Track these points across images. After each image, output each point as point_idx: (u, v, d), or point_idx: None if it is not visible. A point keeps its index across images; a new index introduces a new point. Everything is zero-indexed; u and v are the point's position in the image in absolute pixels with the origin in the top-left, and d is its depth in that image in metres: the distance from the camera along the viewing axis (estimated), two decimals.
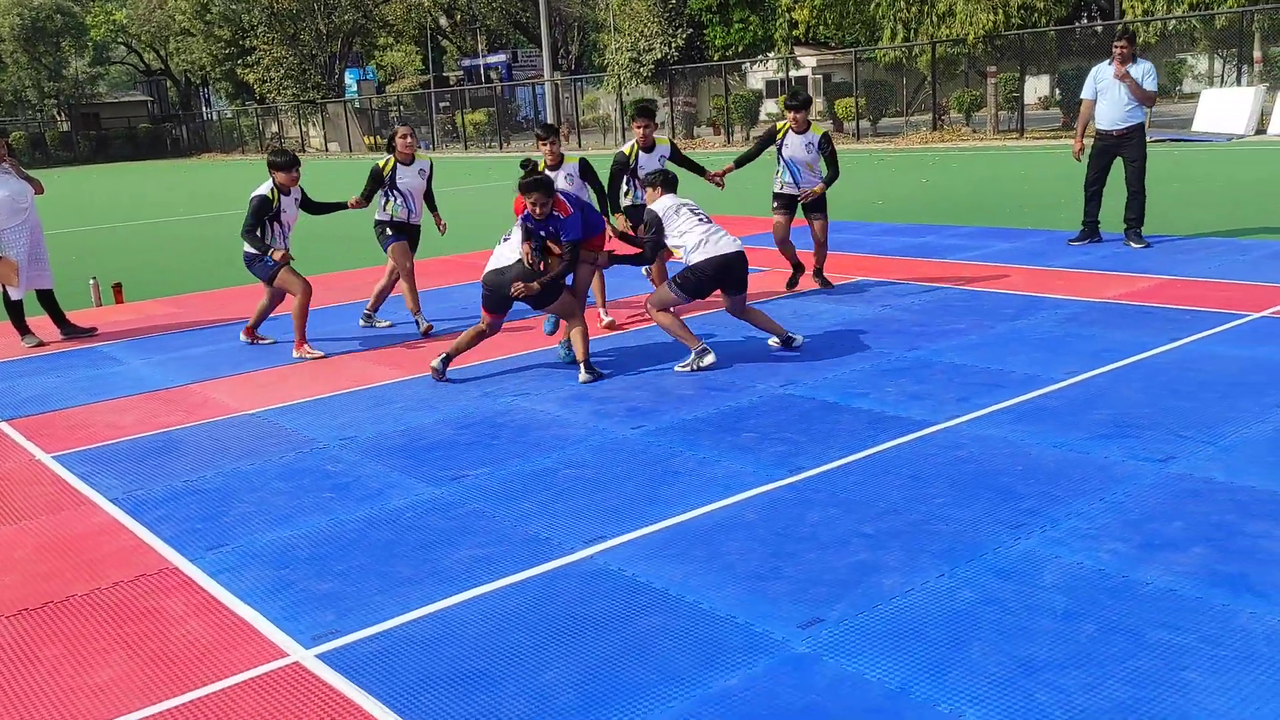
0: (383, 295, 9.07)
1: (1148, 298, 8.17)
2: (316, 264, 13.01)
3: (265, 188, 8.05)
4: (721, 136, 36.78)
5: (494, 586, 4.04)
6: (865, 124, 32.91)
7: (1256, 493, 4.43)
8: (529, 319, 8.63)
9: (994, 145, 26.90)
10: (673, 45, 36.74)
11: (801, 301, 8.91)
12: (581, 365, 6.84)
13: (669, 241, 7.06)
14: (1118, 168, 10.42)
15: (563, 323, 7.31)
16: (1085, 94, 10.60)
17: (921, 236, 12.19)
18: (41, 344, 9.15)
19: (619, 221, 8.23)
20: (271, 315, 8.76)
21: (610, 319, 8.44)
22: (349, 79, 53.28)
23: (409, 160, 8.61)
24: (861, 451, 5.23)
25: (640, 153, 8.33)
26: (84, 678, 3.60)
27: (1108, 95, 10.27)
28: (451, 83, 58.05)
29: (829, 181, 9.00)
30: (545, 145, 8.09)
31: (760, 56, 37.81)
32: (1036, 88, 35.34)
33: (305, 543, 4.58)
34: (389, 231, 8.69)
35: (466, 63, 60.77)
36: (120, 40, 69.17)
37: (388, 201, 8.63)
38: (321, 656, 3.61)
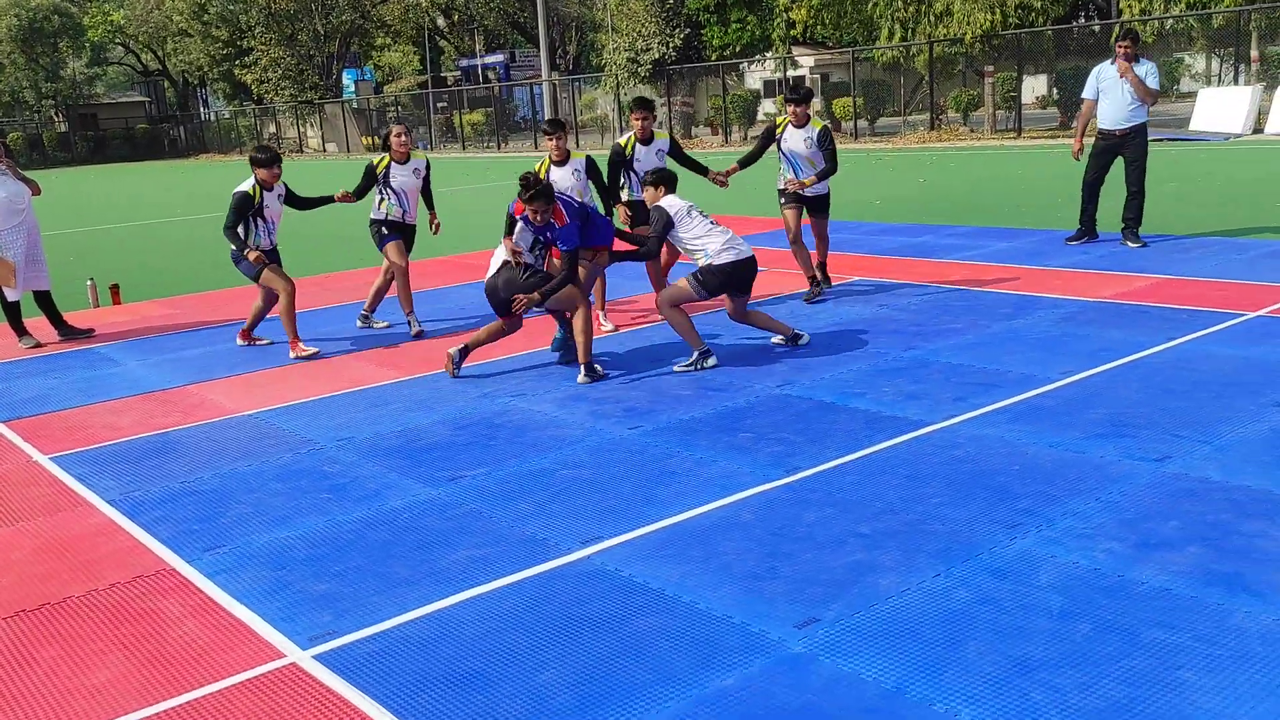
0: (379, 295, 9.08)
1: (1144, 297, 8.18)
2: (316, 264, 13.02)
3: (247, 184, 8.09)
4: (719, 136, 36.78)
5: (491, 587, 4.05)
6: (863, 124, 32.93)
7: (1252, 492, 4.44)
8: (534, 317, 8.62)
9: (991, 145, 26.92)
10: (670, 45, 36.74)
11: (799, 301, 8.92)
12: (581, 367, 6.84)
13: (687, 246, 7.03)
14: (1116, 167, 10.44)
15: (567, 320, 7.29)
16: (1087, 93, 10.59)
17: (919, 236, 12.20)
18: (39, 345, 9.16)
19: (619, 213, 8.17)
20: (268, 316, 8.76)
21: (612, 325, 8.40)
22: (347, 79, 53.25)
23: (404, 159, 8.61)
24: (858, 451, 5.23)
25: (638, 144, 8.19)
26: (81, 679, 3.60)
27: (1110, 95, 10.26)
28: (449, 83, 58.05)
29: (823, 175, 8.66)
30: (552, 140, 8.03)
31: (758, 56, 37.82)
32: (1034, 87, 35.33)
33: (302, 543, 4.59)
34: (384, 231, 8.70)
35: (464, 63, 60.76)
36: (118, 41, 69.11)
37: (382, 200, 8.64)
38: (318, 657, 3.61)
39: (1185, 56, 33.81)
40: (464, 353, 7.14)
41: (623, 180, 8.28)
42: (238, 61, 55.60)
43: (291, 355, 8.07)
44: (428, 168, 8.83)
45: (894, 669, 3.30)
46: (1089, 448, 5.07)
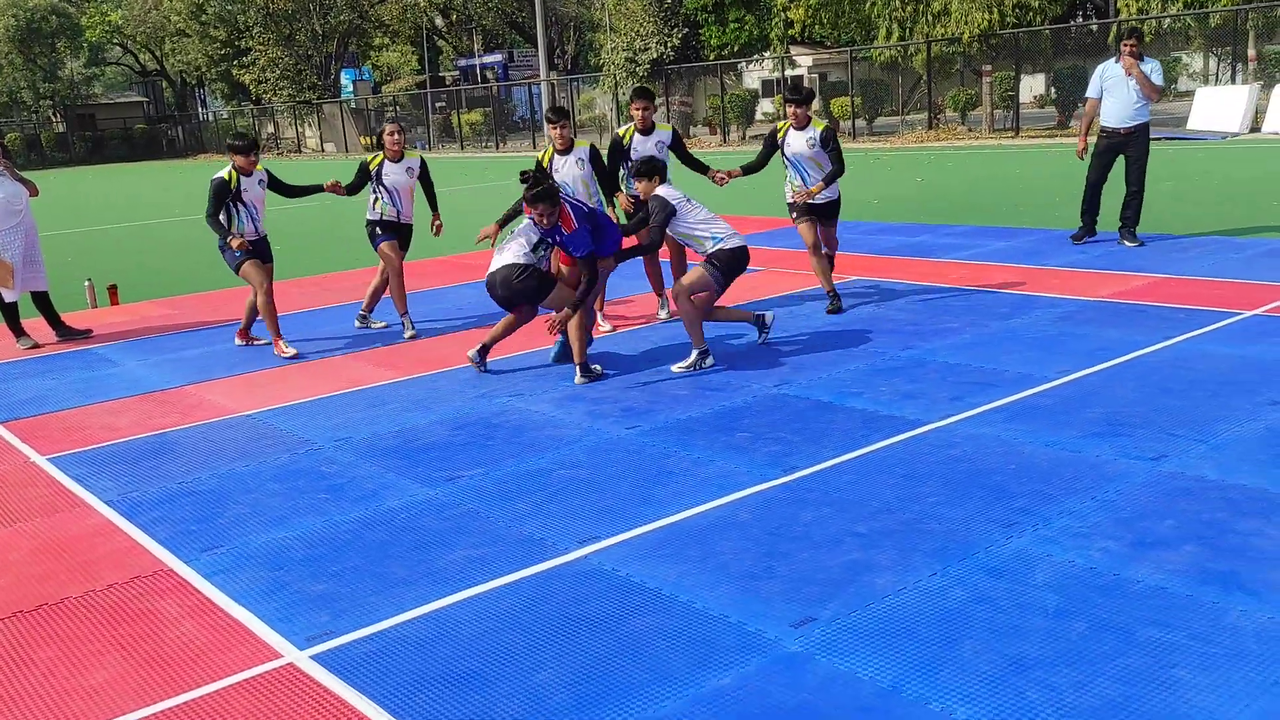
0: (377, 295, 9.09)
1: (1141, 296, 8.19)
2: (314, 264, 13.02)
3: (224, 171, 8.11)
4: (718, 136, 36.77)
5: (488, 587, 4.05)
6: (861, 123, 32.93)
7: (1247, 491, 4.45)
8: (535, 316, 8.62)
9: (989, 144, 26.93)
10: (668, 45, 36.72)
11: (797, 301, 8.92)
12: (577, 368, 6.85)
13: (694, 232, 7.01)
14: (1116, 167, 10.45)
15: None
16: (1091, 92, 10.59)
17: (916, 235, 12.21)
18: (37, 346, 9.16)
19: (620, 202, 8.12)
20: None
21: (610, 326, 8.39)
22: (345, 79, 53.22)
23: (397, 157, 8.61)
24: (855, 451, 5.24)
25: (636, 134, 8.12)
26: (79, 680, 3.60)
27: (1115, 93, 10.27)
28: (447, 83, 57.99)
29: (830, 178, 8.30)
30: (556, 129, 8.02)
31: (756, 56, 37.82)
32: (1032, 86, 35.36)
33: (300, 544, 4.59)
34: (379, 231, 8.70)
35: (462, 63, 60.71)
36: (115, 41, 69.06)
37: (376, 200, 8.64)
38: (316, 657, 3.62)
39: (1183, 55, 33.85)
40: (483, 351, 7.22)
41: (622, 170, 8.23)
42: (236, 61, 55.55)
43: (275, 354, 8.11)
44: (422, 166, 8.82)
45: (890, 668, 3.31)
46: (1085, 447, 5.08)
